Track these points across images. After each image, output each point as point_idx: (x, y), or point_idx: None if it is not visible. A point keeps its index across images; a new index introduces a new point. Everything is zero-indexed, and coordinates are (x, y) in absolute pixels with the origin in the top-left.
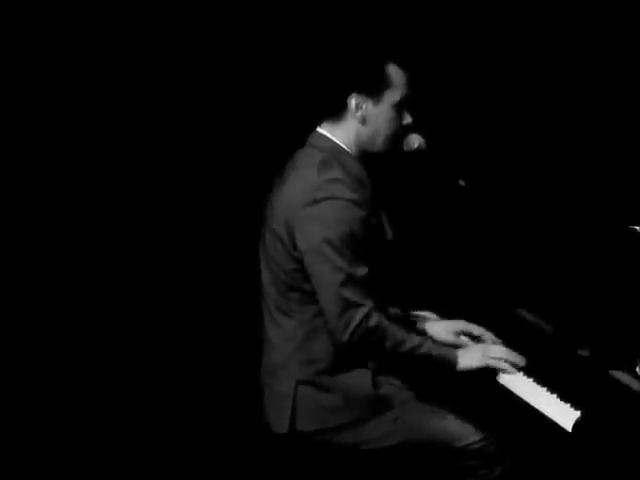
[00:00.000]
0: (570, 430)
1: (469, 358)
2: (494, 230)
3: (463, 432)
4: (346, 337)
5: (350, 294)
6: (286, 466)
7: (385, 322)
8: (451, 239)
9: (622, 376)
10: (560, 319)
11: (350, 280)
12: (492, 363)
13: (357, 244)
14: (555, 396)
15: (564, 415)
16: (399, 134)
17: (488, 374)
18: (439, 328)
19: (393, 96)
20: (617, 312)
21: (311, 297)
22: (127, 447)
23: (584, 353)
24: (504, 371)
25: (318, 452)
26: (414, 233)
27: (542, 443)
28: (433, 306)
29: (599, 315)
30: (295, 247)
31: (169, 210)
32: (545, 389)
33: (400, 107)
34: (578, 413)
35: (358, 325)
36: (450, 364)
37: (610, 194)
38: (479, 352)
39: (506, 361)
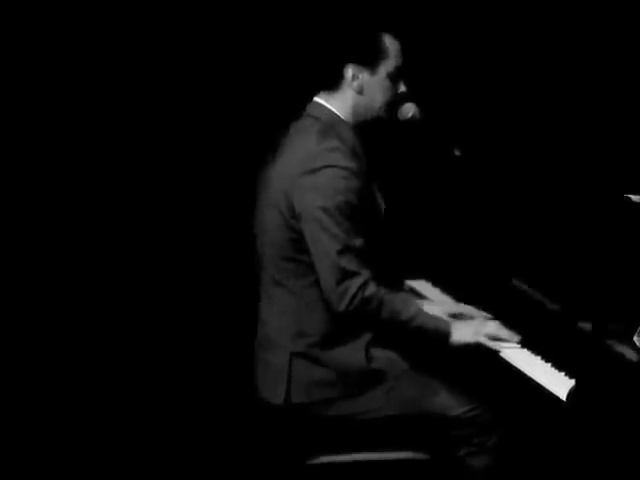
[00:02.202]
0: (564, 399)
1: (463, 333)
2: (490, 200)
3: (456, 402)
4: (343, 306)
5: (347, 263)
6: (281, 437)
7: (381, 292)
8: (446, 210)
9: (618, 345)
10: (556, 289)
11: (347, 249)
12: (484, 341)
13: (354, 214)
14: (549, 365)
15: (558, 384)
16: (394, 103)
17: (482, 348)
18: (431, 308)
19: (388, 66)
20: (614, 282)
21: (306, 268)
22: (122, 425)
23: (581, 323)
24: (496, 350)
25: (313, 423)
26: (408, 204)
27: (536, 412)
28: (428, 276)
29: (596, 285)
30: (293, 215)
31: (159, 197)
32: (539, 358)
33: (395, 76)
34: (572, 382)
35: (355, 294)
36: (444, 337)
37: (605, 163)
38: (472, 327)
39: (499, 339)
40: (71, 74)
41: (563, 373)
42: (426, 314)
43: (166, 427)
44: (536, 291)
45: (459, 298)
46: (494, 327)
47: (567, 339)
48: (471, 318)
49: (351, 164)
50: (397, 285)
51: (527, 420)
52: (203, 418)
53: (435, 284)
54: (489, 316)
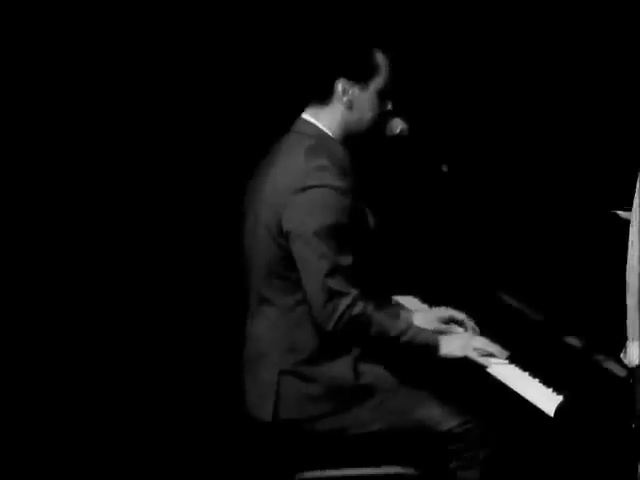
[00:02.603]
0: (552, 415)
1: (451, 346)
2: (477, 215)
3: (447, 416)
4: (331, 325)
5: (335, 283)
6: (270, 453)
7: (369, 310)
8: (434, 224)
9: (605, 361)
10: (543, 303)
11: (335, 269)
12: (472, 355)
13: (343, 233)
14: (537, 380)
15: (546, 399)
16: (381, 119)
17: (470, 363)
18: (422, 318)
19: (378, 83)
20: (601, 298)
21: (294, 285)
22: (107, 436)
23: (568, 339)
24: (484, 365)
25: (301, 439)
26: (396, 220)
27: (525, 427)
28: (417, 291)
29: (582, 300)
30: (281, 233)
31: (145, 205)
32: (527, 374)
33: (384, 93)
34: (560, 398)
35: (342, 313)
36: (433, 350)
37: (592, 179)
38: (461, 341)
39: (486, 354)
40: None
41: (551, 389)
42: (415, 329)
43: (153, 443)
44: (523, 305)
45: None
46: (483, 342)
47: (554, 354)
48: (461, 325)
49: (340, 183)
50: (386, 301)
51: (516, 435)
52: (191, 434)
53: (424, 300)
54: (477, 329)
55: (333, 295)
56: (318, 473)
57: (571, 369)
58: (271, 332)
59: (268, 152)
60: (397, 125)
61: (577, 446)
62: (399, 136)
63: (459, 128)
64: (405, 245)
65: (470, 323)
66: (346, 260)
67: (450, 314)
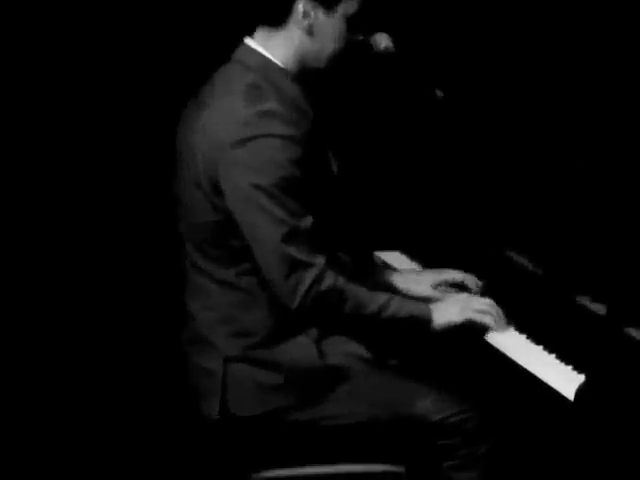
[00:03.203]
0: (572, 399)
1: (446, 313)
2: (479, 152)
3: (437, 404)
4: (295, 303)
5: (296, 251)
6: (220, 456)
7: (341, 281)
8: (426, 164)
9: (634, 332)
10: (560, 263)
11: (294, 234)
12: (475, 317)
13: (298, 189)
14: (553, 356)
15: (564, 380)
16: (343, 51)
17: (471, 331)
18: (410, 282)
19: (349, 7)
20: (630, 255)
21: (240, 255)
22: (43, 439)
23: (591, 305)
24: (491, 327)
25: (259, 437)
26: (379, 158)
27: (537, 415)
28: (404, 246)
29: (609, 259)
30: (217, 193)
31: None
32: (541, 348)
33: (353, 22)
34: (582, 377)
35: (309, 289)
36: (424, 323)
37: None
38: (458, 305)
39: (492, 315)
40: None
41: (570, 367)
42: (399, 300)
43: (86, 448)
44: (536, 265)
45: None
46: (486, 303)
47: (574, 324)
48: (463, 290)
49: (291, 130)
50: (365, 260)
51: (525, 425)
52: (131, 434)
53: (413, 257)
54: (478, 282)
55: (295, 266)
56: (278, 472)
57: (595, 342)
58: (211, 312)
59: (203, 87)
60: (381, 41)
61: (601, 437)
62: (384, 53)
63: (458, 45)
64: (391, 188)
65: (471, 278)
66: (305, 222)
67: (446, 276)
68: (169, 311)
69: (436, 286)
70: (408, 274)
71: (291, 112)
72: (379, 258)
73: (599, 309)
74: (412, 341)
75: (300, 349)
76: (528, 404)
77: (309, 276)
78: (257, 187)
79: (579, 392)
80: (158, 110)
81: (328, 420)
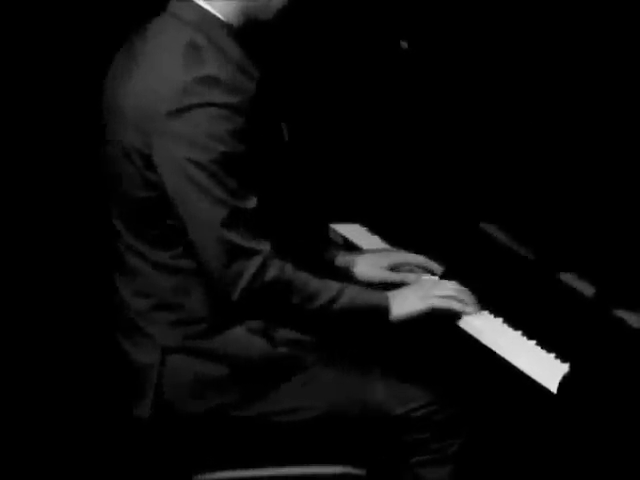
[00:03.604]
0: (555, 391)
1: (406, 303)
2: (450, 111)
3: (401, 395)
4: (236, 295)
5: (237, 237)
6: (157, 457)
7: (288, 271)
8: (388, 124)
9: (626, 314)
10: (540, 236)
11: (235, 217)
12: (440, 304)
13: (241, 166)
14: (533, 343)
15: (546, 369)
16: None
17: (440, 317)
18: (364, 264)
19: None
20: (615, 227)
21: (177, 236)
22: None
23: (569, 281)
24: (459, 312)
25: (201, 436)
26: (335, 117)
27: (515, 408)
28: (364, 218)
29: (591, 230)
30: (150, 168)
31: None
32: (519, 333)
33: None
34: (566, 366)
35: (251, 280)
36: (382, 314)
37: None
38: (419, 292)
39: (459, 300)
40: None
41: (553, 354)
42: (353, 289)
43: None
44: (514, 239)
45: (405, 249)
46: (451, 287)
47: (558, 306)
48: (421, 273)
49: (233, 97)
50: (319, 235)
51: (502, 419)
52: (59, 435)
53: (373, 230)
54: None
55: (236, 254)
56: (222, 474)
57: (581, 326)
58: (147, 299)
59: (132, 41)
60: None
61: (588, 433)
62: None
63: None
64: (350, 152)
65: (434, 264)
66: (248, 203)
67: (406, 258)
68: (96, 298)
69: (393, 267)
70: (364, 254)
71: (234, 76)
72: (336, 232)
73: (586, 289)
74: (370, 331)
75: (247, 338)
76: (506, 396)
77: (252, 265)
78: (194, 163)
79: (563, 383)
80: (80, 65)
81: (279, 416)
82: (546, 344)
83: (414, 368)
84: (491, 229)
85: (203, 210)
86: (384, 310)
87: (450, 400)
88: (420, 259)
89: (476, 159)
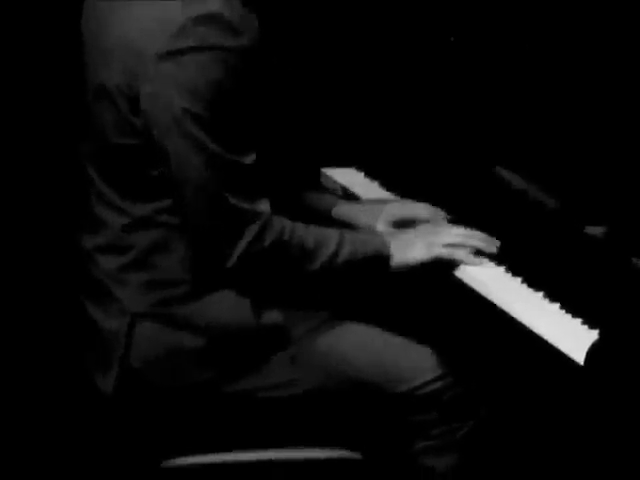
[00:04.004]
0: (582, 362)
1: (409, 249)
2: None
3: (405, 369)
4: (231, 262)
5: (234, 197)
6: (122, 439)
7: (287, 230)
8: (387, 60)
9: None
10: (561, 183)
11: (232, 174)
12: (447, 253)
13: (240, 116)
14: (557, 306)
15: (571, 337)
16: None
17: (445, 269)
18: (367, 218)
19: None
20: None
21: (160, 188)
22: None
23: (595, 232)
24: (468, 263)
25: (173, 416)
26: (334, 54)
27: (534, 384)
28: (361, 162)
29: (614, 179)
30: (137, 113)
31: None
32: (541, 295)
33: None
34: (595, 334)
35: (250, 245)
36: (381, 262)
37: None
38: (425, 238)
39: (471, 248)
40: None
41: (579, 320)
42: (351, 239)
43: None
44: (534, 186)
45: (408, 196)
46: (462, 233)
47: (585, 264)
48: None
49: (237, 39)
50: (311, 178)
51: (519, 397)
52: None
53: (371, 175)
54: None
55: (233, 217)
56: (196, 459)
57: (611, 287)
58: (119, 255)
59: None
60: None
61: (620, 415)
62: None
63: None
64: (345, 90)
65: (441, 213)
66: (247, 158)
67: (408, 211)
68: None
69: (393, 223)
70: (365, 206)
71: (240, 11)
72: (328, 178)
73: (615, 244)
74: (369, 290)
75: (229, 306)
76: (524, 369)
77: (251, 230)
78: (188, 113)
79: (591, 353)
80: None
81: (264, 391)
82: (572, 308)
83: (418, 338)
84: (507, 174)
85: (197, 165)
86: (385, 257)
87: (460, 376)
88: (425, 210)
89: (489, 92)
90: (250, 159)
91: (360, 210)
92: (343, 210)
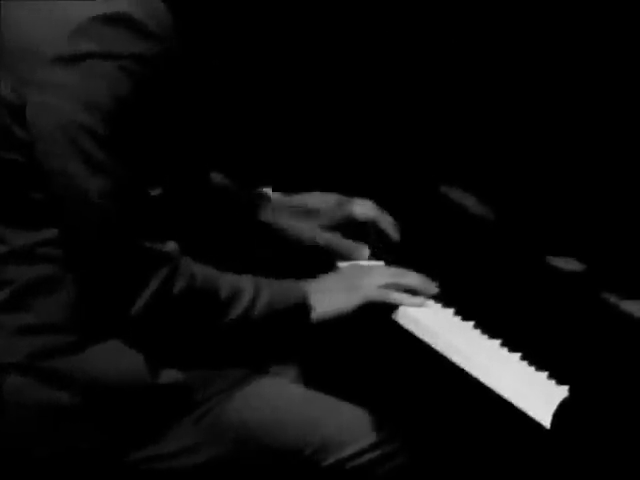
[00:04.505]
0: (549, 425)
1: (331, 298)
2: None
3: (335, 434)
4: (135, 310)
5: (140, 234)
6: None
7: (198, 274)
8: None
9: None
10: (519, 204)
11: (138, 206)
12: (377, 295)
13: (150, 138)
14: (518, 356)
15: (536, 394)
16: None
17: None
18: (305, 225)
19: None
20: (608, 194)
21: (41, 213)
22: None
23: (560, 264)
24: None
25: None
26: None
27: (492, 450)
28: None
29: (583, 197)
30: (21, 123)
31: None
32: (499, 342)
33: None
34: (563, 390)
35: (157, 291)
36: (303, 313)
37: None
38: (348, 282)
39: (408, 291)
40: None
41: (546, 373)
42: (267, 284)
43: None
44: (489, 207)
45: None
46: (392, 272)
47: (552, 302)
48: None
49: (147, 46)
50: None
51: (475, 468)
52: None
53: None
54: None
55: (139, 257)
56: None
57: (583, 329)
58: None
59: None
60: None
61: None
62: None
63: None
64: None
65: (389, 225)
66: (156, 189)
67: (352, 208)
68: None
69: (334, 225)
70: (295, 206)
71: (154, 11)
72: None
73: (582, 275)
74: (290, 341)
75: (118, 360)
76: (479, 433)
77: (159, 274)
78: (82, 128)
79: (560, 414)
80: None
81: (161, 461)
82: (535, 358)
83: (349, 394)
84: (456, 194)
85: (92, 191)
86: (306, 309)
87: (400, 442)
88: (371, 210)
89: (441, 105)
90: (157, 191)
91: (294, 211)
92: (269, 215)
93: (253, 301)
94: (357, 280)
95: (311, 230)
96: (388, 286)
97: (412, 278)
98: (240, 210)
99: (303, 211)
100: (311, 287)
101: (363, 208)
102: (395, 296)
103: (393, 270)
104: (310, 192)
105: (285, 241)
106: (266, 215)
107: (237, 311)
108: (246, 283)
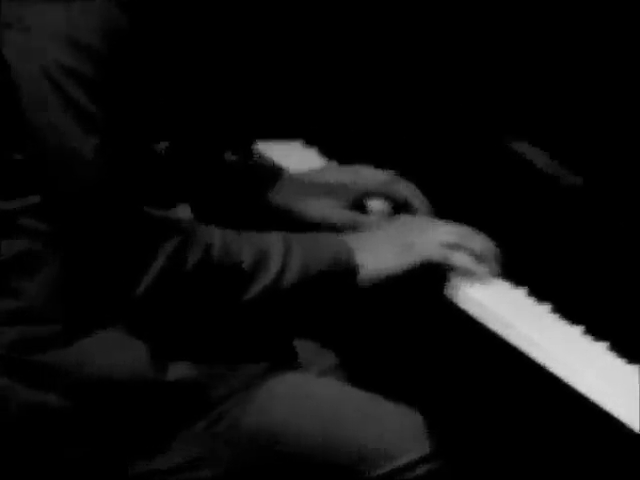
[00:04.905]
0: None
1: (381, 253)
2: None
3: (383, 442)
4: (139, 290)
5: (142, 199)
6: None
7: (217, 243)
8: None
9: None
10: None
11: (139, 165)
12: (439, 256)
13: (149, 85)
14: (604, 347)
15: (626, 394)
16: None
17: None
18: (320, 204)
19: None
20: None
21: (22, 176)
22: None
23: None
24: (468, 276)
25: None
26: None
27: (567, 460)
28: (310, 134)
29: None
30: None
31: None
32: (580, 329)
33: None
34: None
35: (165, 267)
36: (345, 276)
37: None
38: (403, 238)
39: (474, 254)
40: None
41: (638, 367)
42: (301, 244)
43: None
44: (564, 166)
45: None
46: (457, 231)
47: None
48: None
49: None
50: (245, 155)
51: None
52: None
53: (325, 152)
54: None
55: (141, 227)
56: None
57: None
58: None
59: None
60: None
61: None
62: None
63: None
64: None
65: (422, 204)
66: (159, 145)
67: (378, 186)
68: None
69: (357, 205)
70: (309, 181)
71: None
72: (268, 158)
73: None
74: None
75: (116, 352)
76: (552, 438)
77: (166, 247)
78: (72, 73)
79: None
80: None
81: (170, 475)
82: (624, 349)
83: (396, 391)
84: (524, 147)
85: (85, 150)
86: (350, 270)
87: (459, 451)
88: (404, 187)
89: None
90: (164, 144)
91: (300, 189)
92: (282, 194)
93: (284, 263)
94: (415, 235)
95: (323, 209)
96: (451, 247)
97: (481, 242)
98: (246, 190)
99: (324, 190)
100: (357, 240)
101: (407, 190)
102: (460, 259)
103: (461, 229)
104: (362, 165)
105: (292, 223)
106: (273, 196)
107: (265, 281)
108: (273, 240)
